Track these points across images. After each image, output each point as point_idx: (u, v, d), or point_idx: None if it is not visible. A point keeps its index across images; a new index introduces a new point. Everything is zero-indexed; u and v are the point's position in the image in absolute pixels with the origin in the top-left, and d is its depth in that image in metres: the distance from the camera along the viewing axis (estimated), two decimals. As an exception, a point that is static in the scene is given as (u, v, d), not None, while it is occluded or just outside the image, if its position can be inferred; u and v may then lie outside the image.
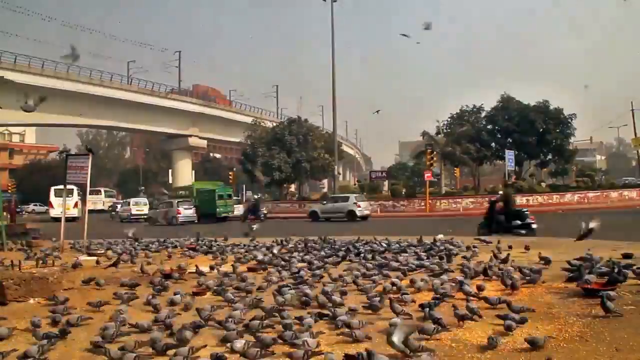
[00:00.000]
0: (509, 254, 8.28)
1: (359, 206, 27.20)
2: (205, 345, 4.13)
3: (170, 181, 61.01)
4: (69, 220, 17.88)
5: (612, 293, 5.15)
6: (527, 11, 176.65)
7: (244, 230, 15.45)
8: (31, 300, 6.30)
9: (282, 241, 11.71)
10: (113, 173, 79.58)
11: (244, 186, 50.07)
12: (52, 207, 34.23)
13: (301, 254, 9.72)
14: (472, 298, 5.47)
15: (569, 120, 37.11)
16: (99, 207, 44.20)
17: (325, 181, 61.67)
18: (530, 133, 35.97)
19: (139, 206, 35.67)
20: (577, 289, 5.77)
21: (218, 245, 11.89)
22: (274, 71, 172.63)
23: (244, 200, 41.55)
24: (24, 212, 46.07)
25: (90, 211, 37.54)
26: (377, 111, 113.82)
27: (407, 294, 5.69)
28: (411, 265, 7.75)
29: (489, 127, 38.91)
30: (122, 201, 42.68)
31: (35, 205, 51.42)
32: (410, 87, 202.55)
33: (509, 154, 32.21)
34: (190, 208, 29.68)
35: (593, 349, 3.90)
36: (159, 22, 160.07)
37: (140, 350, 4.07)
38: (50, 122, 48.22)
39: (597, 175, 44.28)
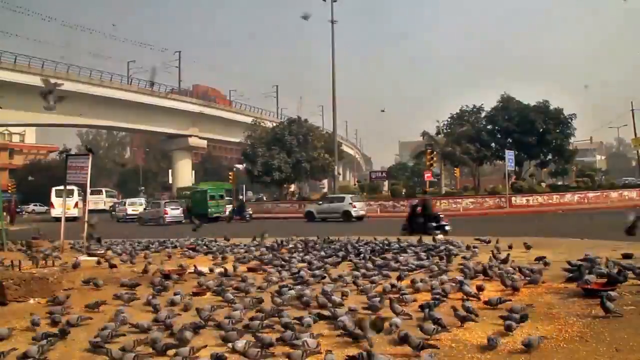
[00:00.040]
0: (508, 254, 8.28)
1: (355, 206, 27.29)
2: (206, 346, 4.13)
3: (171, 181, 60.98)
4: (70, 220, 17.88)
5: (612, 293, 5.15)
6: (527, 11, 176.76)
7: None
8: (31, 301, 6.30)
9: (282, 242, 11.71)
10: (113, 173, 79.57)
11: (244, 186, 50.02)
12: (53, 207, 34.59)
13: (301, 254, 9.73)
14: (471, 298, 5.48)
15: (569, 120, 37.10)
16: (101, 207, 44.44)
17: (325, 181, 61.64)
18: (530, 133, 35.96)
19: (135, 206, 35.93)
20: (577, 289, 5.77)
21: (218, 245, 11.89)
22: (274, 71, 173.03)
23: (245, 200, 41.56)
24: (24, 212, 46.08)
25: (92, 211, 37.72)
26: (383, 110, 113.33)
27: (406, 294, 5.69)
28: (411, 266, 7.75)
29: (489, 127, 38.90)
30: (120, 201, 42.82)
31: (35, 205, 51.43)
32: (410, 87, 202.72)
33: (509, 154, 32.20)
34: (177, 209, 30.38)
35: (593, 349, 3.90)
36: (159, 22, 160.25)
37: (140, 350, 4.07)
38: (50, 122, 48.17)
39: (597, 175, 44.20)
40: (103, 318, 5.19)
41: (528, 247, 9.34)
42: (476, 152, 36.93)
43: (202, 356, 3.90)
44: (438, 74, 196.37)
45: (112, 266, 8.72)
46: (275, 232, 14.54)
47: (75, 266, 8.65)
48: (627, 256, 7.73)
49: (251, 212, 31.50)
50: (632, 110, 42.25)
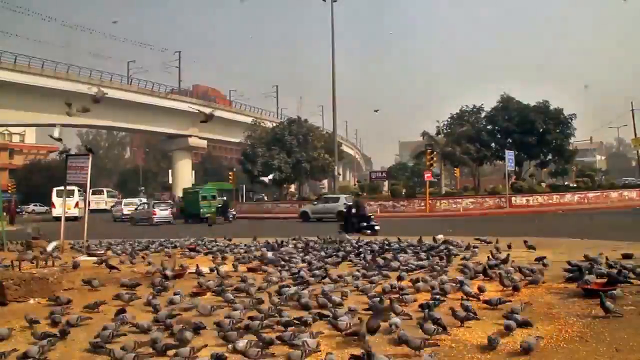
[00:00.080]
0: (508, 254, 8.28)
1: None
2: (206, 345, 4.13)
3: (171, 181, 60.97)
4: (70, 219, 17.89)
5: (612, 293, 5.15)
6: (528, 11, 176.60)
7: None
8: (31, 301, 6.31)
9: (281, 242, 11.71)
10: (113, 173, 79.53)
11: (244, 186, 49.99)
12: (54, 207, 34.79)
13: (301, 254, 9.73)
14: (471, 299, 5.47)
15: (569, 120, 37.06)
16: (102, 206, 44.87)
17: (325, 181, 61.56)
18: (530, 133, 35.92)
19: (131, 206, 36.11)
20: (577, 289, 5.77)
21: (218, 245, 11.89)
22: (274, 71, 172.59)
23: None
24: (24, 212, 46.08)
25: (94, 211, 37.87)
26: (376, 110, 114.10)
27: (407, 294, 5.69)
28: (411, 266, 7.75)
29: (489, 127, 38.84)
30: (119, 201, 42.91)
31: (35, 205, 51.44)
32: (410, 87, 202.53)
33: (509, 154, 32.17)
34: (166, 209, 30.99)
35: (593, 349, 3.90)
36: (159, 22, 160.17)
37: (140, 351, 4.07)
38: (50, 122, 48.10)
39: (597, 175, 44.15)
40: (103, 318, 5.19)
41: (530, 247, 9.29)
42: (476, 152, 36.90)
43: (202, 356, 3.90)
44: (438, 74, 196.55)
45: (111, 268, 8.61)
46: (267, 233, 14.59)
47: (75, 266, 8.65)
48: (627, 256, 7.73)
49: (235, 213, 31.59)
50: (632, 110, 42.29)
